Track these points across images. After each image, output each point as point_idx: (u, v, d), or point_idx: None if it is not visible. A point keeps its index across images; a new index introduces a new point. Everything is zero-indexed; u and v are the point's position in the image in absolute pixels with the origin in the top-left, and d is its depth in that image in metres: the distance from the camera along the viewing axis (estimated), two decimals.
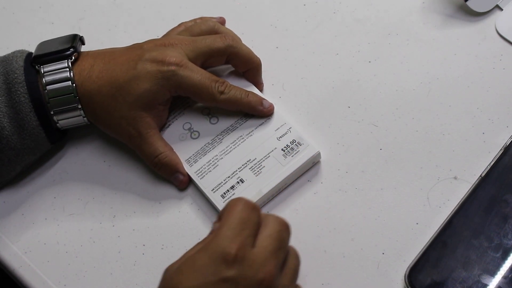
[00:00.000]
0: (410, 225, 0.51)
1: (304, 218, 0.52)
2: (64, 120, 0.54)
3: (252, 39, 0.61)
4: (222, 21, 0.62)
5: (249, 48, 0.56)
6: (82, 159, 0.57)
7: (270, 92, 0.57)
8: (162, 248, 0.52)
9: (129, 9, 0.65)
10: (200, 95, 0.53)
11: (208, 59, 0.55)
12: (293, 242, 0.51)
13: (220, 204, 0.52)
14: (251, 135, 0.54)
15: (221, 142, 0.54)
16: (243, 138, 0.54)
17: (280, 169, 0.52)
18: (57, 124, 0.54)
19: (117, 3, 0.66)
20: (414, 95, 0.56)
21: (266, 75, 0.59)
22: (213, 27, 0.57)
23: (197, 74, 0.53)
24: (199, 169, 0.54)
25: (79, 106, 0.53)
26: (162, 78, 0.52)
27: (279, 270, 0.43)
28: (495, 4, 0.60)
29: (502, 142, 0.53)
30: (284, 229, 0.45)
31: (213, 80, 0.53)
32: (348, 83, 0.58)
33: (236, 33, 0.59)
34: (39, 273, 0.52)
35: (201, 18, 0.60)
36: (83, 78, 0.53)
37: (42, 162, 0.57)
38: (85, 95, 0.53)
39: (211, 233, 0.44)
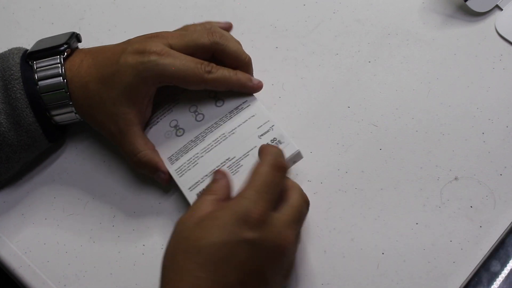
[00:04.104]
0: (410, 225, 0.51)
1: None
2: (59, 116, 0.54)
3: (252, 39, 0.61)
4: (227, 27, 0.61)
5: (238, 46, 0.54)
6: (82, 159, 0.57)
7: (270, 92, 0.57)
8: (162, 248, 0.52)
9: (129, 9, 0.65)
10: (186, 79, 0.52)
11: (193, 54, 0.53)
12: None
13: None
14: (234, 133, 0.52)
15: (203, 140, 0.53)
16: (225, 136, 0.53)
17: None
18: (52, 120, 0.54)
19: (117, 3, 0.66)
20: (414, 95, 0.56)
21: (266, 75, 0.58)
22: (206, 26, 0.57)
23: (179, 60, 0.51)
24: (179, 167, 0.52)
25: (70, 102, 0.53)
26: (144, 69, 0.51)
27: (295, 242, 0.45)
28: (495, 4, 0.60)
29: (502, 142, 0.53)
30: (305, 205, 0.47)
31: (198, 62, 0.52)
32: (348, 83, 0.58)
33: (236, 33, 0.59)
34: (39, 273, 0.52)
35: (208, 23, 0.59)
36: (73, 73, 0.53)
37: (41, 162, 0.57)
38: (75, 91, 0.53)
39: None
